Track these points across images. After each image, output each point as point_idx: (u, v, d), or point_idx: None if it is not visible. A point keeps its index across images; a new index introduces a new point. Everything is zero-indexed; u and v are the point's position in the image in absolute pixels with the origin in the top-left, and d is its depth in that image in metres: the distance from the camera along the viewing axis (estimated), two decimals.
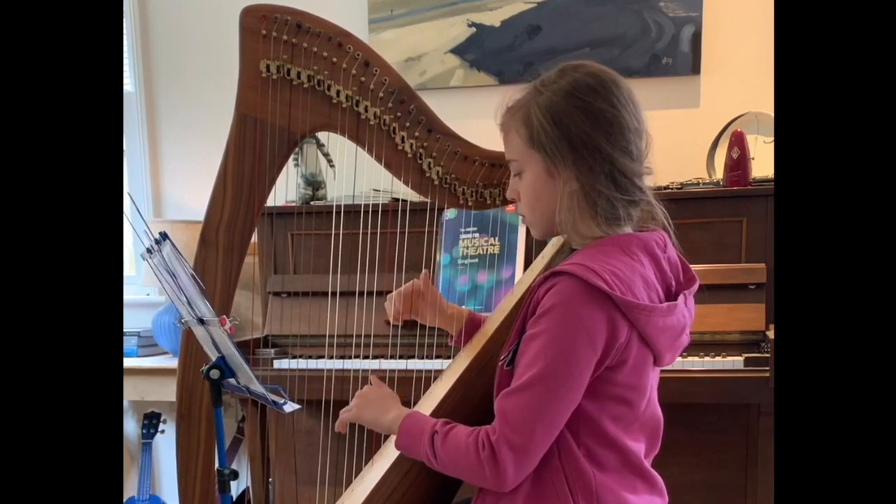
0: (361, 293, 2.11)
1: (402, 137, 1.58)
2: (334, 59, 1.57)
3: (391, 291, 1.66)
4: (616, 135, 1.28)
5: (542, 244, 1.63)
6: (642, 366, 1.29)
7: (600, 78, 1.30)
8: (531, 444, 1.24)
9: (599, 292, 1.21)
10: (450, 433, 1.31)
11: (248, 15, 1.57)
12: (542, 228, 1.38)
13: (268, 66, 1.57)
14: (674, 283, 1.36)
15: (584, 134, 1.27)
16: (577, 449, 1.27)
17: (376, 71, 1.57)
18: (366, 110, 1.58)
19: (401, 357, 2.11)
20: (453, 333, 1.64)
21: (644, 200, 1.33)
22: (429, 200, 1.60)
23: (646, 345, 1.27)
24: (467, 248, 2.45)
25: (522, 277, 1.66)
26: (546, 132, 1.28)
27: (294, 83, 1.58)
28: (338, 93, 1.58)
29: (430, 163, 1.57)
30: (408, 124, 1.58)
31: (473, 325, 1.62)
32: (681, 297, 1.33)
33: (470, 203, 1.58)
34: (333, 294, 2.15)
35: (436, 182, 1.58)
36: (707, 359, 2.19)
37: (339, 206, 2.28)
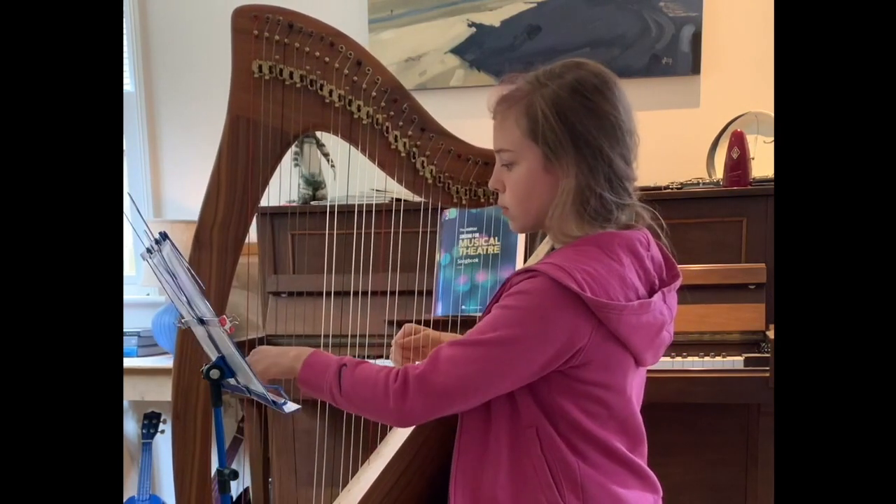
0: (364, 293, 2.11)
1: (395, 136, 1.58)
2: (326, 59, 1.57)
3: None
4: (617, 138, 1.28)
5: None
6: (615, 366, 1.27)
7: (604, 78, 1.30)
8: (446, 393, 1.23)
9: (569, 293, 1.20)
10: (361, 365, 1.30)
11: (240, 15, 1.57)
12: (524, 222, 1.36)
13: (260, 67, 1.57)
14: (657, 281, 1.35)
15: (589, 133, 1.26)
16: (559, 441, 1.27)
17: (369, 70, 1.57)
18: (358, 109, 1.58)
19: None
20: None
21: (630, 205, 1.32)
22: (423, 200, 1.60)
23: (621, 345, 1.26)
24: (467, 247, 2.44)
25: None
26: (550, 126, 1.26)
27: (286, 83, 1.58)
28: (330, 92, 1.58)
29: (423, 161, 1.58)
30: (401, 123, 1.58)
31: None
32: (657, 295, 1.31)
33: (464, 201, 1.58)
34: (334, 294, 2.15)
35: (429, 181, 1.58)
36: (707, 359, 2.19)
37: (339, 207, 2.28)
